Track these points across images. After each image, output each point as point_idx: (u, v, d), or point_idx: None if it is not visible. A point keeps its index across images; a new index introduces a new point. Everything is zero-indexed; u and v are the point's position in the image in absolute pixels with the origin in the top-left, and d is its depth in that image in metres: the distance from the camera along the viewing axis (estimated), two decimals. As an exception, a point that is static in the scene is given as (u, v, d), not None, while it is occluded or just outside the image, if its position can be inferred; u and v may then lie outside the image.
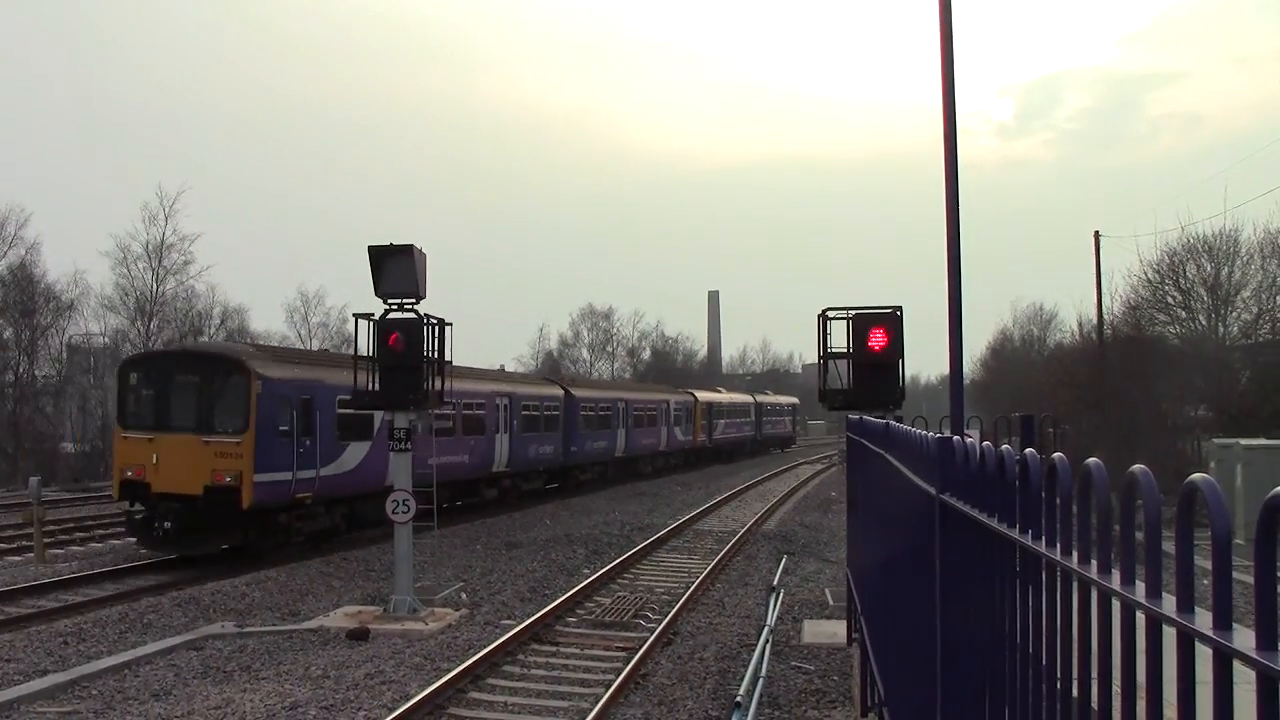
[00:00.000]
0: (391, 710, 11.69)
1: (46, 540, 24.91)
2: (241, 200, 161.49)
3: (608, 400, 48.38)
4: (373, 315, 17.82)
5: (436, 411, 21.86)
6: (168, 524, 22.25)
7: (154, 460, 22.80)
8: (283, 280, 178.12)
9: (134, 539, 23.93)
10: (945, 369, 17.23)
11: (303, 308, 79.49)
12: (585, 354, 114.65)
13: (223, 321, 68.24)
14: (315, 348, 79.09)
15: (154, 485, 22.70)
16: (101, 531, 29.16)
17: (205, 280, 67.93)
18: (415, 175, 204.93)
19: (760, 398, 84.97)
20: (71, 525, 29.91)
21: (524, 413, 37.71)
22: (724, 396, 75.02)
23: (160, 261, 62.20)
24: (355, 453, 26.07)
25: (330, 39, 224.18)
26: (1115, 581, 2.26)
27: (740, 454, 75.64)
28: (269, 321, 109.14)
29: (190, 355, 26.32)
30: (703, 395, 66.98)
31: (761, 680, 13.22)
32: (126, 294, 62.01)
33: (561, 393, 42.81)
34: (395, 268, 17.53)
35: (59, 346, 60.26)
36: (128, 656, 14.56)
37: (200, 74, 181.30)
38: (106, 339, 63.61)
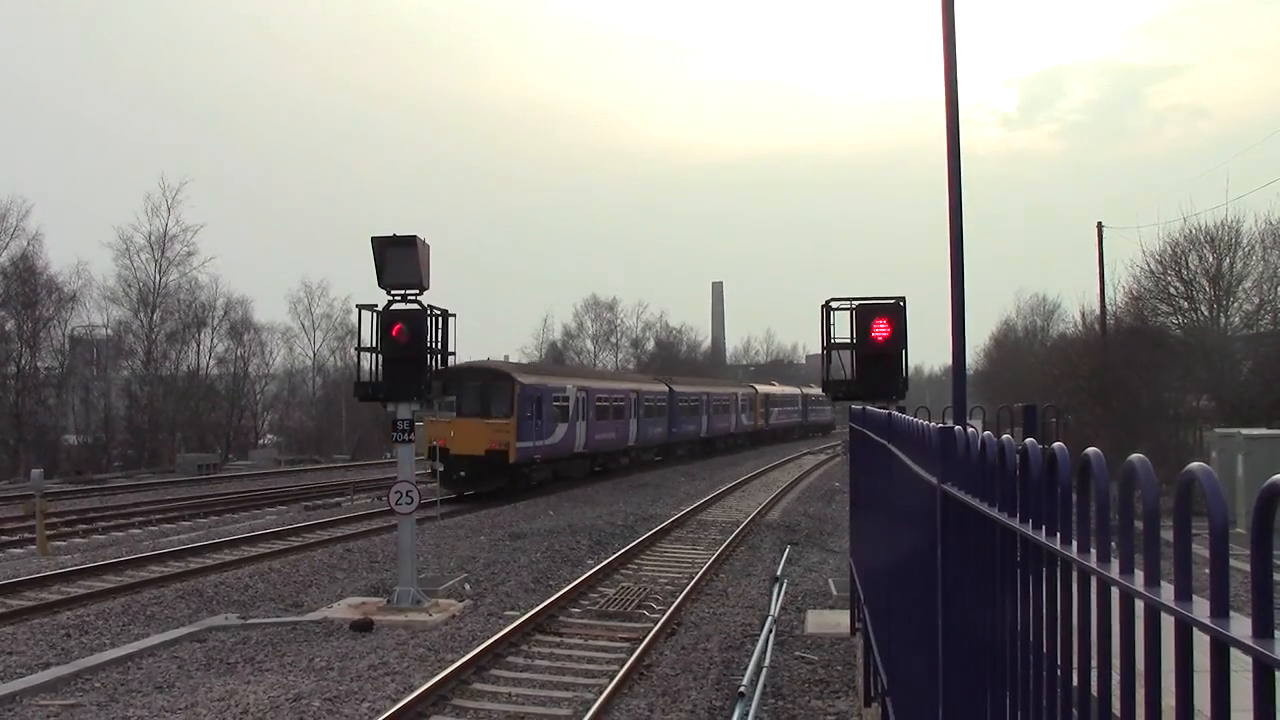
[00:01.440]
0: (395, 701, 11.71)
1: (48, 532, 24.97)
2: (244, 192, 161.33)
3: (696, 394, 61.34)
4: (376, 306, 17.83)
5: (603, 402, 43.37)
6: (463, 473, 35.80)
7: (452, 434, 35.02)
8: (286, 271, 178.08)
9: (436, 482, 34.04)
10: (949, 360, 17.22)
11: (306, 299, 79.61)
12: (589, 345, 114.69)
13: (225, 312, 68.32)
14: (318, 339, 79.44)
15: (452, 449, 34.77)
16: (104, 524, 29.22)
17: (208, 271, 68.11)
18: (419, 168, 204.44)
19: (806, 390, 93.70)
20: (74, 517, 29.98)
21: (645, 403, 51.22)
22: (778, 389, 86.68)
23: (163, 253, 62.48)
24: (560, 430, 40.59)
25: (332, 34, 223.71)
26: (1114, 570, 2.27)
27: (790, 437, 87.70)
28: (272, 313, 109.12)
29: (476, 369, 39.67)
30: (761, 388, 79.53)
31: (765, 670, 13.22)
32: (129, 285, 62.24)
33: (667, 389, 55.59)
34: (398, 259, 17.52)
35: (61, 338, 60.35)
36: (130, 649, 14.59)
37: (201, 68, 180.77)
38: (109, 330, 63.79)
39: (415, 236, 17.52)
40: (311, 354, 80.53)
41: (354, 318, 18.94)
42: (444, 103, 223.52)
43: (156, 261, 62.39)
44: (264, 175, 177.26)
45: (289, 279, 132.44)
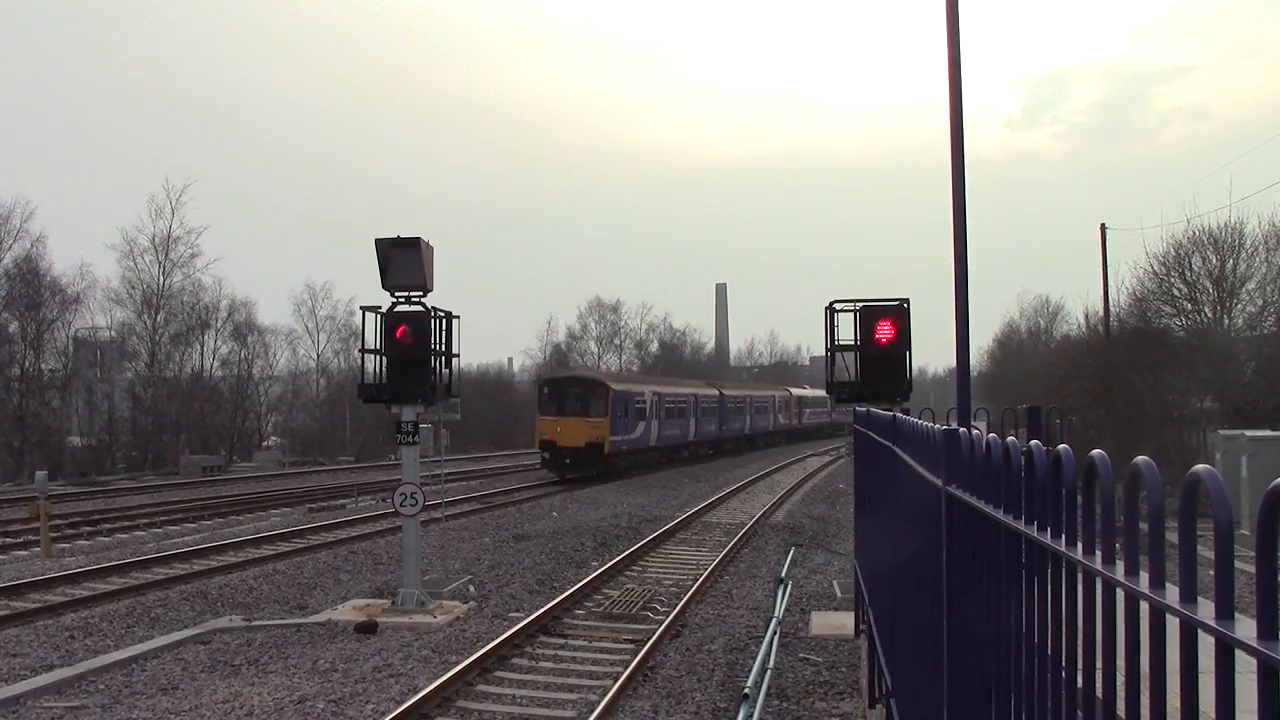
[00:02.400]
0: (400, 703, 11.72)
1: (53, 534, 24.99)
2: (247, 194, 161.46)
3: (741, 397, 70.53)
4: (380, 308, 17.84)
5: (670, 405, 54.01)
6: (568, 460, 44.52)
7: (558, 430, 44.58)
8: (290, 273, 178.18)
9: (544, 468, 46.51)
10: (953, 361, 17.22)
11: (310, 300, 79.42)
12: (593, 346, 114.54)
13: (229, 314, 68.31)
14: (322, 341, 79.51)
15: (558, 442, 44.55)
16: (109, 525, 29.24)
17: (212, 273, 67.93)
18: (422, 169, 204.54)
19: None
20: (78, 519, 30.00)
21: (701, 405, 60.43)
22: (809, 392, 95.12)
23: (167, 254, 62.48)
24: (640, 427, 49.86)
25: (334, 36, 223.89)
26: (1119, 572, 2.27)
27: (820, 435, 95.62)
28: (276, 314, 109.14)
29: (579, 379, 49.94)
30: (795, 391, 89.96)
31: (769, 672, 13.24)
32: (133, 287, 62.27)
33: (717, 393, 64.54)
34: (402, 260, 17.53)
35: (65, 340, 60.35)
36: (134, 651, 14.61)
37: (204, 70, 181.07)
38: (113, 332, 63.76)
39: (419, 238, 17.53)
40: (315, 356, 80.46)
41: (358, 319, 18.95)
42: (446, 104, 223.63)
43: (160, 263, 62.43)
44: (267, 177, 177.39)
45: (293, 281, 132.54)
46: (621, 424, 46.82)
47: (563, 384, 48.15)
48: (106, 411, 60.64)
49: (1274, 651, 1.64)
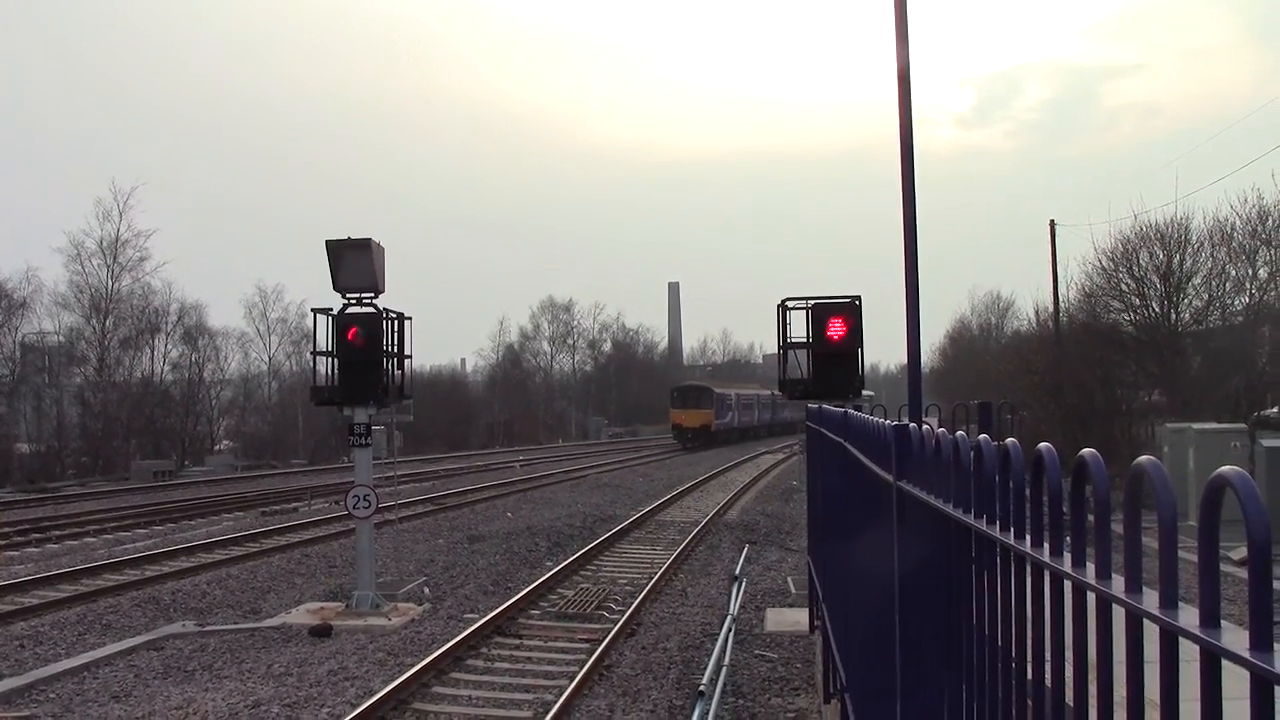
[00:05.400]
0: (355, 706, 11.66)
1: (1, 542, 24.61)
2: (197, 196, 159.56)
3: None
4: (331, 310, 17.72)
5: (744, 401, 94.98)
6: (690, 436, 77.13)
7: (684, 417, 78.47)
8: (241, 276, 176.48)
9: (675, 440, 79.29)
10: (904, 358, 17.34)
11: (261, 303, 78.65)
12: (546, 347, 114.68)
13: (180, 318, 67.54)
14: (274, 344, 78.93)
15: (684, 425, 78.52)
16: (58, 532, 28.85)
17: (161, 276, 66.97)
18: (374, 170, 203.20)
19: (865, 391, 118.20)
20: (27, 526, 29.56)
21: (760, 401, 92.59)
22: None
23: (115, 258, 61.53)
24: (730, 415, 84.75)
25: (287, 35, 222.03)
26: (1067, 564, 2.30)
27: None
28: (227, 317, 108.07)
29: (695, 386, 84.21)
30: None
31: (725, 669, 13.28)
32: (81, 291, 61.28)
33: (770, 393, 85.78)
34: (353, 262, 17.43)
35: (12, 345, 59.38)
36: (86, 658, 14.44)
37: (152, 70, 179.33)
38: (61, 337, 62.79)
39: (370, 239, 17.44)
40: (267, 359, 79.77)
41: (309, 322, 18.82)
42: (399, 103, 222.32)
43: (109, 267, 61.54)
44: (217, 178, 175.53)
45: (244, 283, 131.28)
46: (720, 413, 79.08)
47: (686, 389, 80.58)
48: (55, 417, 59.77)
49: (1215, 639, 1.67)
